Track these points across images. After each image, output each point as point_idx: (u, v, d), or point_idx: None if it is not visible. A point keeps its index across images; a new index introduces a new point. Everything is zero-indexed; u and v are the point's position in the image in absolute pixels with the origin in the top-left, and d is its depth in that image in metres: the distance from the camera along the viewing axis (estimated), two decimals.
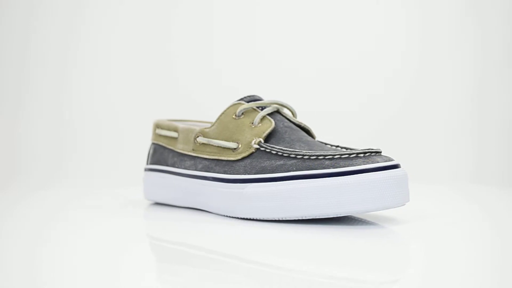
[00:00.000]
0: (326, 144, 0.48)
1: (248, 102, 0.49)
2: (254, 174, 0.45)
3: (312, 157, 0.42)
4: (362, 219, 0.45)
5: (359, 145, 0.60)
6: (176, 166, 0.52)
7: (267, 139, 0.47)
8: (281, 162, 0.44)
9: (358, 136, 0.85)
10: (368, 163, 0.41)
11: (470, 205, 0.59)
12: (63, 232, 0.44)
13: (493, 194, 0.68)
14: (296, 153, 0.43)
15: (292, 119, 0.49)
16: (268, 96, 0.58)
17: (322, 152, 0.43)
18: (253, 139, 0.46)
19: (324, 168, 0.41)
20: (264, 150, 0.45)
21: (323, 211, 0.41)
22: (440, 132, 0.87)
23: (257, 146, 0.46)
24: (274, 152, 0.45)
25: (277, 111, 0.49)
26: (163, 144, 0.54)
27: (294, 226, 0.42)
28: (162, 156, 0.54)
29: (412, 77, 0.90)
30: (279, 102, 0.49)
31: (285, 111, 0.50)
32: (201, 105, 0.85)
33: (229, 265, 0.34)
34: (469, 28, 0.89)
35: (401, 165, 0.42)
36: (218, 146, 0.48)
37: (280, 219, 0.43)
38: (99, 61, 0.90)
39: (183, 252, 0.38)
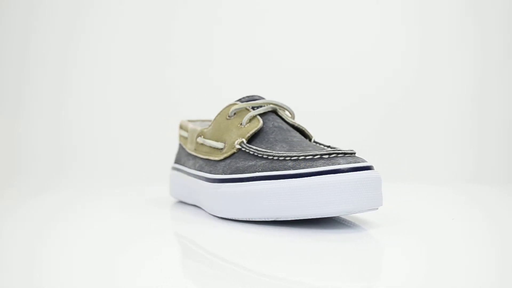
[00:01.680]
0: (320, 144, 0.46)
1: (244, 102, 0.48)
2: (229, 174, 0.44)
3: (280, 158, 0.41)
4: (351, 221, 0.44)
5: (359, 145, 0.60)
6: (185, 165, 0.52)
7: (253, 139, 0.46)
8: (253, 162, 0.43)
9: (357, 136, 0.85)
10: (328, 164, 0.39)
11: (470, 205, 0.59)
12: (63, 231, 0.44)
13: (493, 194, 0.68)
14: (268, 153, 0.42)
15: (287, 119, 0.48)
16: (271, 97, 0.57)
17: (289, 153, 0.41)
18: (237, 139, 0.45)
19: (285, 169, 0.40)
20: (245, 151, 0.45)
21: (287, 213, 0.40)
22: (440, 132, 0.87)
23: (239, 147, 0.45)
24: (251, 152, 0.44)
25: (274, 112, 0.48)
26: (182, 144, 0.55)
27: (276, 228, 0.41)
28: (180, 155, 0.55)
29: (412, 77, 0.90)
30: (274, 102, 0.48)
31: (286, 112, 0.49)
32: (201, 105, 0.85)
33: (214, 264, 0.34)
34: (469, 28, 0.89)
35: (373, 167, 0.40)
36: (210, 146, 0.48)
37: (250, 219, 0.42)
38: (99, 61, 0.90)
39: (184, 250, 0.38)
